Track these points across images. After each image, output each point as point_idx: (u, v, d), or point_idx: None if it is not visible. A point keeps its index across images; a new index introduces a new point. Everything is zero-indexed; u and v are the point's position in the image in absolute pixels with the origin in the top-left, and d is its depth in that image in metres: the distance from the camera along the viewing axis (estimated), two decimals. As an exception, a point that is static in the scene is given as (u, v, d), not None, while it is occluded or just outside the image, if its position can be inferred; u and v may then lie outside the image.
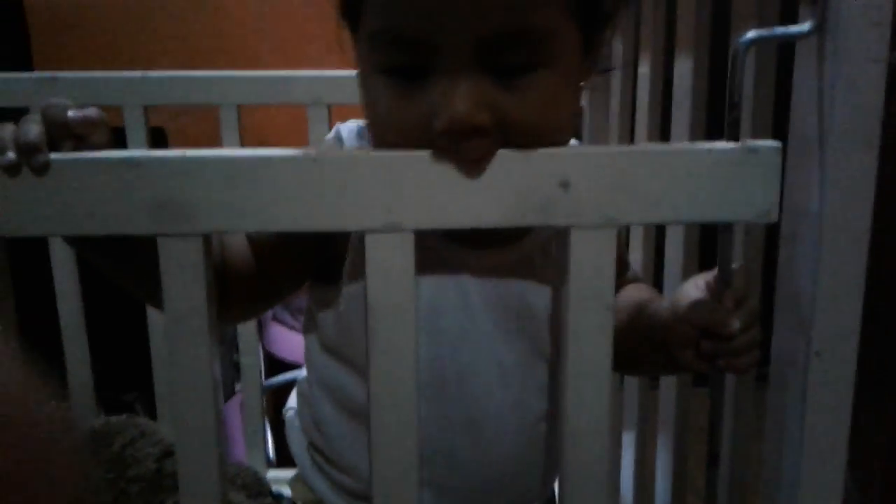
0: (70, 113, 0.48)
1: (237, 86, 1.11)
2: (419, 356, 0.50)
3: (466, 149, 0.48)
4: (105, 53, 1.73)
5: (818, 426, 0.52)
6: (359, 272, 0.60)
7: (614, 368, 0.50)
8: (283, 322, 1.62)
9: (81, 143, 0.49)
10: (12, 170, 0.46)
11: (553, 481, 0.71)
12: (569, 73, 0.54)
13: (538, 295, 0.63)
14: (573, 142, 0.66)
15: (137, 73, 1.09)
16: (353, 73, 1.10)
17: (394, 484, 0.50)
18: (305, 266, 0.66)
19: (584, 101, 1.17)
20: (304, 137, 1.14)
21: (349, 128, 0.67)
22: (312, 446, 0.73)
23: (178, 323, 0.48)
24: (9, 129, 0.47)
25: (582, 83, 0.58)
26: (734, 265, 0.53)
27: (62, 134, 0.48)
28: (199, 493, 0.50)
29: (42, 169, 0.46)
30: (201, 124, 1.60)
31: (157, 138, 1.58)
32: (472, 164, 0.48)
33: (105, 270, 0.58)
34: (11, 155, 0.46)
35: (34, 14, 1.72)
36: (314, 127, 1.12)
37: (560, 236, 0.50)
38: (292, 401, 0.80)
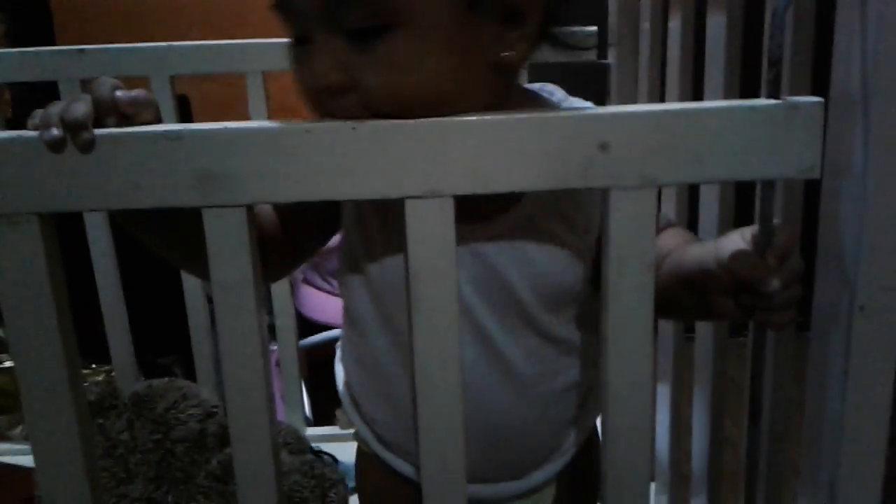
0: (118, 92, 0.49)
1: (262, 53, 1.12)
2: (404, 327, 0.50)
3: (334, 107, 0.53)
4: (126, 26, 1.72)
5: (862, 380, 0.52)
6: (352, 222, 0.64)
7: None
8: (313, 284, 1.64)
9: (128, 121, 0.49)
10: (57, 146, 0.47)
11: (572, 435, 0.72)
12: (438, 35, 0.52)
13: (521, 267, 0.63)
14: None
15: (164, 44, 1.10)
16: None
17: (440, 448, 0.51)
18: (329, 223, 0.68)
19: (611, 61, 1.16)
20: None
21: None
22: (347, 385, 0.75)
23: (225, 292, 0.49)
24: (57, 106, 0.47)
25: (502, 53, 0.55)
26: (776, 222, 0.53)
27: (108, 111, 0.48)
28: (252, 459, 0.51)
29: (87, 146, 0.46)
30: (225, 91, 1.60)
31: (182, 106, 1.58)
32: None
33: (149, 243, 0.59)
34: (56, 132, 0.46)
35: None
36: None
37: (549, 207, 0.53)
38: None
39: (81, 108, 0.47)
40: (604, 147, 0.48)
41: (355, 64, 0.52)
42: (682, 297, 0.60)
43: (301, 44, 0.55)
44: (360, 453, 0.78)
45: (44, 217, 0.48)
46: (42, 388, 0.50)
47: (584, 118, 0.48)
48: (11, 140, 0.47)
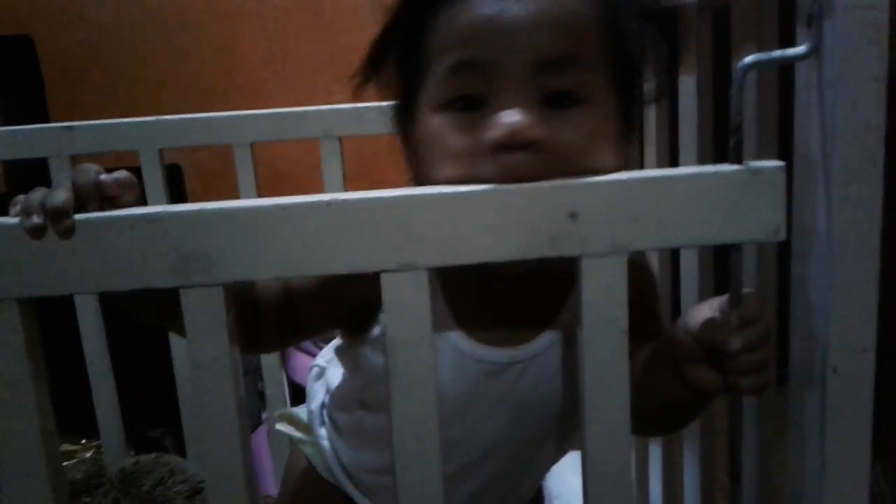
0: (102, 176, 0.50)
1: (250, 124, 1.13)
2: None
3: (516, 161, 0.52)
4: (120, 96, 1.76)
5: (839, 440, 0.52)
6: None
7: (634, 431, 0.51)
8: (305, 350, 1.64)
9: (111, 204, 0.50)
10: (37, 232, 0.47)
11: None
12: (608, 117, 0.57)
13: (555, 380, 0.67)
14: None
15: (151, 119, 1.12)
16: (363, 105, 1.12)
17: (421, 518, 0.51)
18: (339, 317, 0.69)
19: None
20: (314, 166, 1.16)
21: None
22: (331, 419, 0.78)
23: (202, 369, 0.50)
24: (39, 193, 0.48)
25: (625, 136, 0.60)
26: (746, 290, 0.53)
27: (90, 197, 0.49)
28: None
29: (67, 233, 0.47)
30: (216, 159, 1.63)
31: (173, 175, 1.60)
32: (511, 178, 0.49)
33: (140, 315, 0.60)
34: (37, 219, 0.47)
35: (47, 64, 1.76)
36: (326, 159, 1.14)
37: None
38: (322, 359, 0.83)
39: (62, 195, 0.48)
40: (573, 216, 0.49)
41: (549, 124, 0.54)
42: (656, 378, 0.60)
43: (468, 108, 0.56)
44: (306, 470, 0.80)
45: (23, 302, 0.49)
46: (20, 472, 0.50)
47: (553, 188, 0.49)
48: (-10, 226, 0.47)
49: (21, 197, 0.49)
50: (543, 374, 0.66)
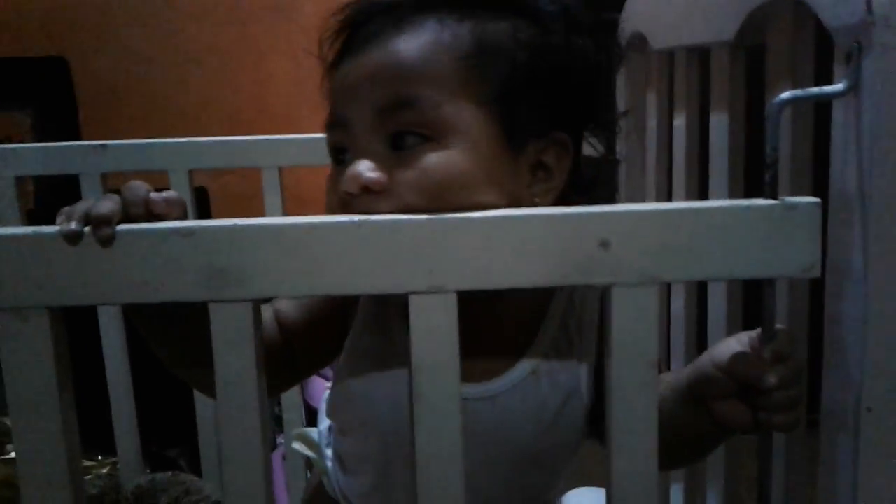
0: (152, 194, 0.50)
1: (279, 148, 1.15)
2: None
3: (362, 206, 0.56)
4: (150, 120, 1.78)
5: (873, 481, 0.51)
6: (363, 330, 0.66)
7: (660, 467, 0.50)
8: (322, 374, 1.63)
9: (157, 220, 0.50)
10: (72, 238, 0.48)
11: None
12: (475, 157, 0.57)
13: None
14: None
15: (183, 140, 1.13)
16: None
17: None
18: (332, 344, 0.69)
19: (621, 158, 1.18)
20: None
21: None
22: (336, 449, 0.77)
23: (228, 387, 0.49)
24: (85, 203, 0.49)
25: (532, 196, 0.60)
26: (778, 327, 0.53)
27: (137, 211, 0.49)
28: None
29: (106, 240, 0.47)
30: (242, 183, 1.64)
31: (200, 197, 1.62)
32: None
33: (154, 340, 0.60)
34: (74, 225, 0.47)
35: (81, 86, 1.79)
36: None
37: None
38: None
39: (108, 205, 0.48)
40: (604, 244, 0.49)
41: (393, 168, 0.57)
42: (684, 415, 0.59)
43: (341, 161, 0.61)
44: (318, 488, 0.80)
45: (53, 310, 0.49)
46: (42, 481, 0.49)
47: (585, 216, 0.49)
48: (24, 235, 0.48)
49: (67, 208, 0.50)
50: (513, 412, 0.64)
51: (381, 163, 0.58)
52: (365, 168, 0.57)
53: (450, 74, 0.58)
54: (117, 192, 0.51)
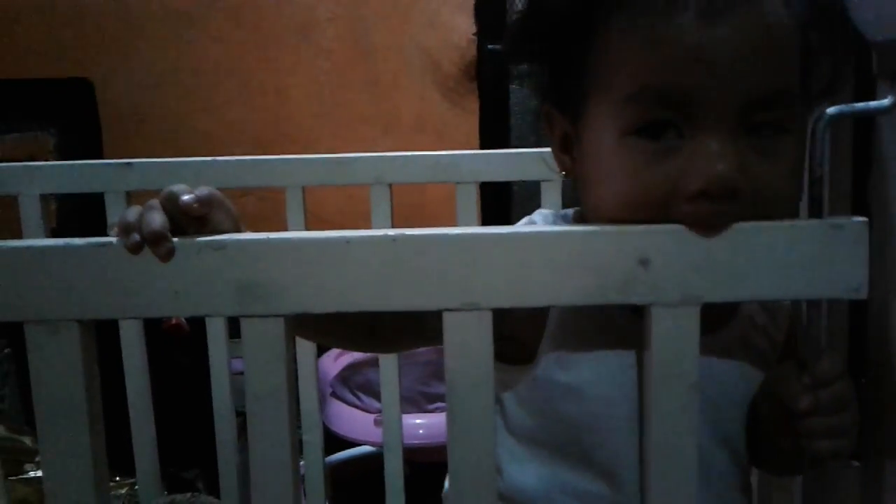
0: (184, 197, 0.49)
1: (303, 168, 1.14)
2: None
3: (715, 213, 0.48)
4: (173, 141, 1.79)
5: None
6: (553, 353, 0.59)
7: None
8: (343, 399, 1.62)
9: (204, 225, 0.49)
10: (137, 249, 0.47)
11: None
12: (804, 143, 0.53)
13: (725, 384, 0.60)
14: None
15: (209, 159, 1.13)
16: (414, 153, 1.13)
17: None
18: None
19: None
20: (359, 215, 1.16)
21: (544, 214, 0.65)
22: None
23: (258, 401, 0.48)
24: (133, 213, 0.48)
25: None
26: (827, 350, 0.51)
27: (185, 220, 0.49)
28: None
29: (168, 255, 0.47)
30: (260, 205, 1.64)
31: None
32: (709, 231, 0.47)
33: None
34: (137, 237, 0.47)
35: (105, 107, 1.81)
36: (376, 204, 1.14)
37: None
38: None
39: (157, 218, 0.47)
40: (644, 262, 0.48)
41: (753, 166, 0.50)
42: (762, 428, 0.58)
43: (656, 136, 0.51)
44: None
45: (83, 324, 0.48)
46: (69, 497, 0.49)
47: (624, 233, 0.48)
48: (54, 247, 0.47)
49: (120, 220, 0.49)
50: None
51: (742, 155, 0.49)
52: (733, 169, 0.49)
53: (799, 60, 0.51)
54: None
